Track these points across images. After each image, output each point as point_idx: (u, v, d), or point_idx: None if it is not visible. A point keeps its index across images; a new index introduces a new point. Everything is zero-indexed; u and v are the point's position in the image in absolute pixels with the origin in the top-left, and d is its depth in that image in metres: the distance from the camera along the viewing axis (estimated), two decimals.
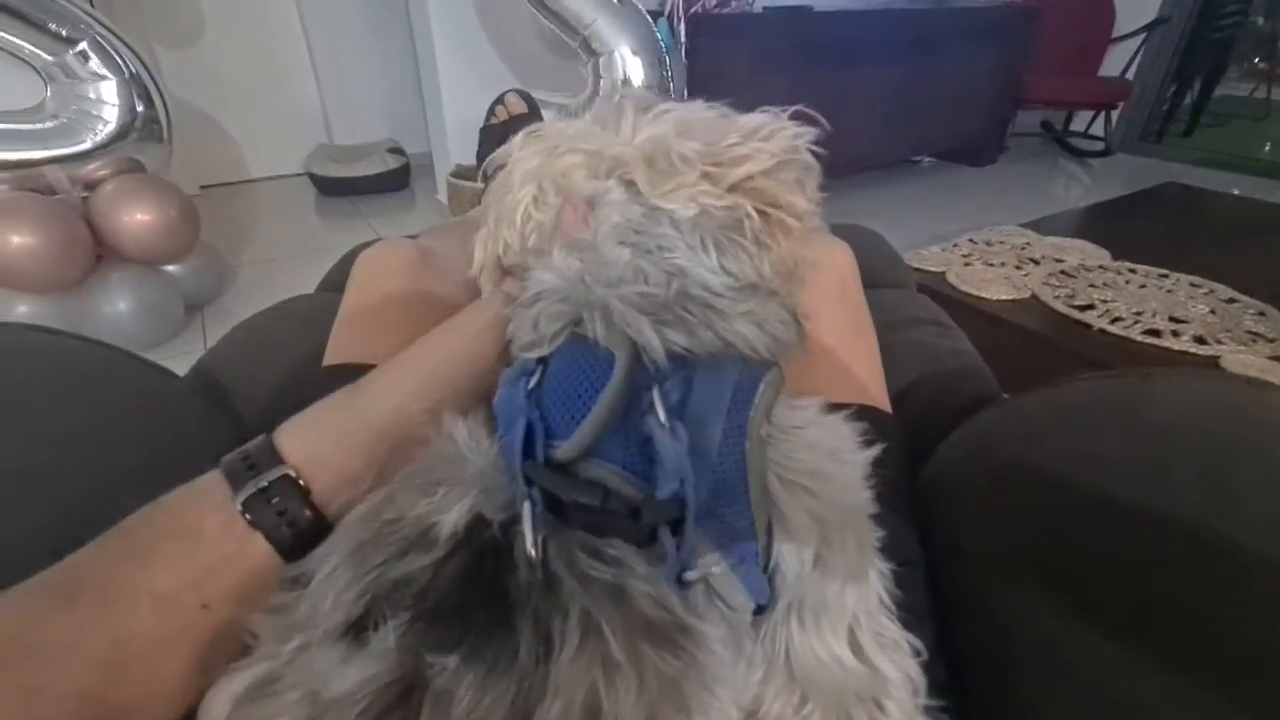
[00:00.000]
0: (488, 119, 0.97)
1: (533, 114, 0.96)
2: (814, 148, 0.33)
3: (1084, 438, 0.36)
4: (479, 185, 1.09)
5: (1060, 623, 0.31)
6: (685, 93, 1.75)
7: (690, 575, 0.23)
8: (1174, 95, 3.17)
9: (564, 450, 0.24)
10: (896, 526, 0.33)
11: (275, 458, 0.27)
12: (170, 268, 1.49)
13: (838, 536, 0.24)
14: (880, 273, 0.70)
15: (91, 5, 1.41)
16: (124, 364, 0.45)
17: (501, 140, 0.96)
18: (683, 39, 2.00)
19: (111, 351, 0.45)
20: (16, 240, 1.22)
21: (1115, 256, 1.48)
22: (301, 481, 0.27)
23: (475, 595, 0.21)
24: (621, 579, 0.22)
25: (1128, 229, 1.69)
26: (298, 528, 0.26)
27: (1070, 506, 0.33)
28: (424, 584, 0.21)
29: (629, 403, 0.24)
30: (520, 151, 0.36)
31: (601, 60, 1.66)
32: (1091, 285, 1.33)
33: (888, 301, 0.64)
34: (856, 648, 0.25)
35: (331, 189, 2.46)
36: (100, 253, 1.38)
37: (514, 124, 0.94)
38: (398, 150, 2.55)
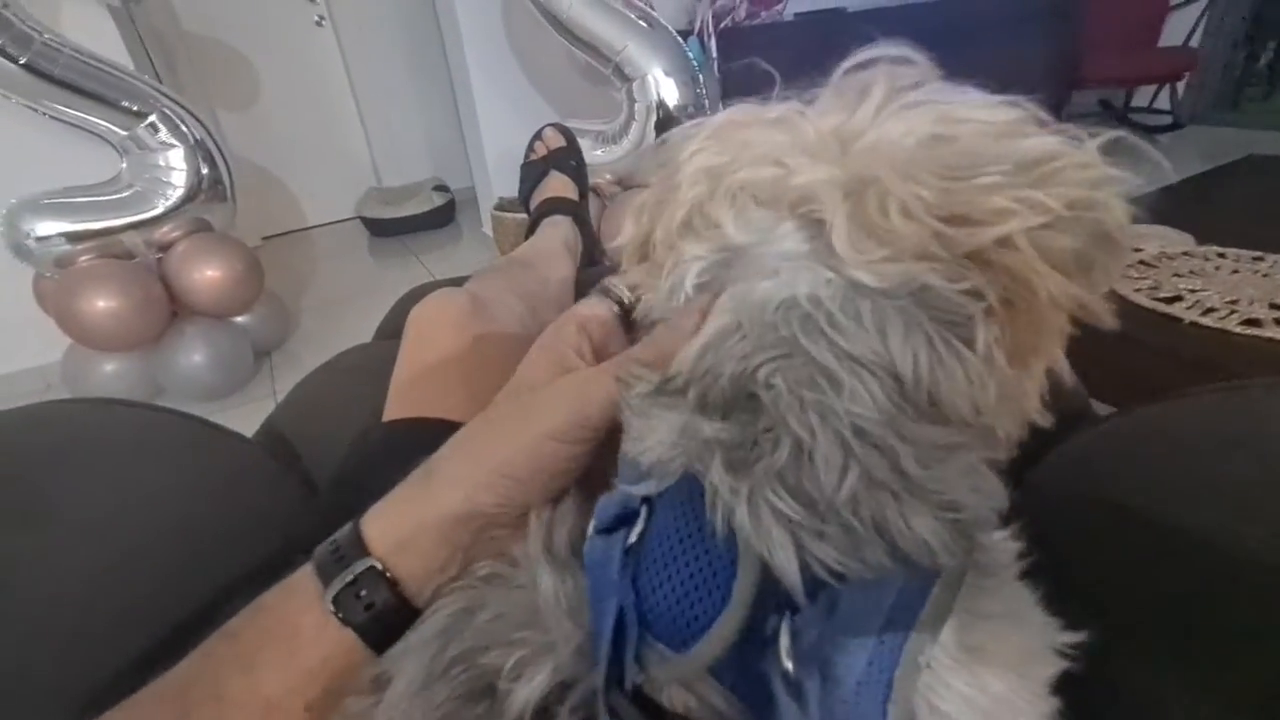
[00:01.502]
0: (527, 155, 0.99)
1: (570, 146, 0.97)
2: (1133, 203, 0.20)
3: (1203, 468, 0.31)
4: (521, 217, 1.11)
5: (1198, 703, 0.26)
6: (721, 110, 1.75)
7: None
8: (1247, 58, 2.94)
9: (661, 674, 0.20)
10: None
11: (362, 548, 0.27)
12: (239, 318, 1.58)
13: None
14: None
15: (159, 80, 1.52)
16: (200, 432, 0.47)
17: (543, 175, 0.97)
18: (714, 55, 1.99)
19: (187, 420, 0.46)
20: (101, 304, 1.31)
21: (1200, 241, 1.37)
22: (389, 573, 0.26)
23: None
24: None
25: (1211, 209, 1.57)
26: (385, 621, 0.26)
27: (1196, 556, 0.28)
28: None
29: (750, 616, 0.19)
30: (705, 139, 0.26)
31: (635, 85, 1.67)
32: (1176, 274, 1.23)
33: None
34: None
35: (382, 230, 2.56)
36: (174, 309, 1.46)
37: (553, 157, 0.95)
38: (442, 187, 2.63)
